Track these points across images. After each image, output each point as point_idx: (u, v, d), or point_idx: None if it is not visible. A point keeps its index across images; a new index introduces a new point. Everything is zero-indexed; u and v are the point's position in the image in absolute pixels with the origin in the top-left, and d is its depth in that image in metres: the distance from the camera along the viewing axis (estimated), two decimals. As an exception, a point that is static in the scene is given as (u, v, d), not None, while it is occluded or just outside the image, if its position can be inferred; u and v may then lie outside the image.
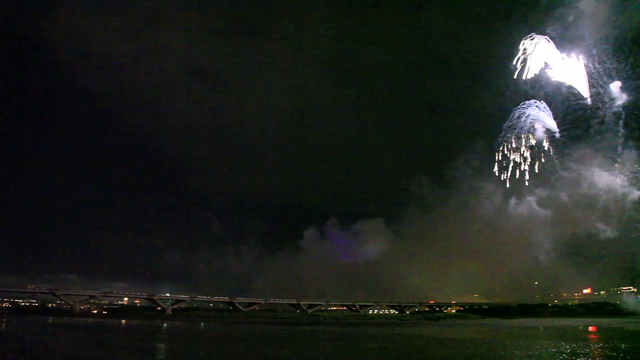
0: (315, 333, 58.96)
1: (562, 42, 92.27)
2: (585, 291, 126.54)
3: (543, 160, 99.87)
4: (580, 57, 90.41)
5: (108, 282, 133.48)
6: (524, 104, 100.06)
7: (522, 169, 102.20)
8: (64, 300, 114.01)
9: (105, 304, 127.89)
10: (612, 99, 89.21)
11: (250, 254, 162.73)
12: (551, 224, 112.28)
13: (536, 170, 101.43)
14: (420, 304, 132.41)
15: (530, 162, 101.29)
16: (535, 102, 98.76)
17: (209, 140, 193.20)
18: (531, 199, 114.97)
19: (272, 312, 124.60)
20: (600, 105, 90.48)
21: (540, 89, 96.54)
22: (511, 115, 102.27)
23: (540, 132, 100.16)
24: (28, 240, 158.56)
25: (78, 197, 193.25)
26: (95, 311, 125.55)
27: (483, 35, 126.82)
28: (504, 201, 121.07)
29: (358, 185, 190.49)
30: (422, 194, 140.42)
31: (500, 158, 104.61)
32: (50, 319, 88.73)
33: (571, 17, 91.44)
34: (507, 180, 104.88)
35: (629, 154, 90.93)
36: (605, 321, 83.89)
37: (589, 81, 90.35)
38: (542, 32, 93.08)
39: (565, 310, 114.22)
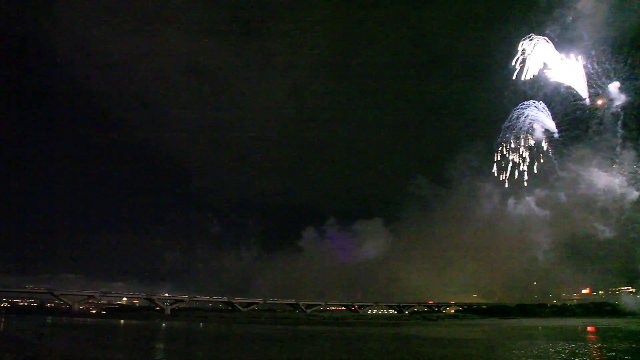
0: (314, 333, 58.92)
1: (561, 42, 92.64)
2: (584, 291, 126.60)
3: (542, 161, 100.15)
4: (579, 57, 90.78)
5: (107, 282, 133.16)
6: (523, 104, 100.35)
7: (521, 169, 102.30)
8: (62, 300, 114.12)
9: (104, 304, 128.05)
10: (611, 100, 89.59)
11: (249, 254, 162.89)
12: (550, 224, 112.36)
13: (535, 171, 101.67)
14: (419, 304, 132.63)
15: (529, 162, 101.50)
16: (534, 103, 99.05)
17: (208, 139, 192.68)
18: (530, 199, 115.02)
19: (271, 312, 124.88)
20: (599, 105, 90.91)
21: (539, 89, 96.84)
22: (510, 116, 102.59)
23: (539, 133, 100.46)
24: (27, 240, 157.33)
25: (77, 197, 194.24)
26: (94, 311, 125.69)
27: (482, 36, 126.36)
28: (503, 201, 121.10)
29: (357, 185, 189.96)
30: (421, 194, 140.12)
31: (499, 158, 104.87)
32: (49, 319, 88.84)
33: (570, 18, 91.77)
34: (506, 181, 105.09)
35: (628, 155, 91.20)
36: (604, 321, 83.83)
37: (588, 82, 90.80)
38: (541, 33, 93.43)
39: (564, 311, 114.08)
